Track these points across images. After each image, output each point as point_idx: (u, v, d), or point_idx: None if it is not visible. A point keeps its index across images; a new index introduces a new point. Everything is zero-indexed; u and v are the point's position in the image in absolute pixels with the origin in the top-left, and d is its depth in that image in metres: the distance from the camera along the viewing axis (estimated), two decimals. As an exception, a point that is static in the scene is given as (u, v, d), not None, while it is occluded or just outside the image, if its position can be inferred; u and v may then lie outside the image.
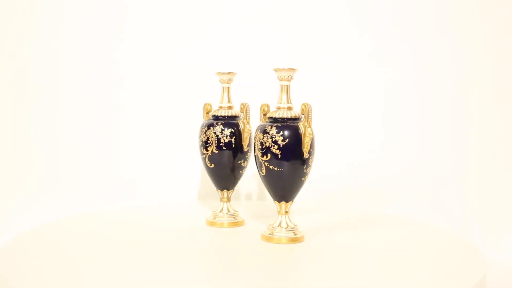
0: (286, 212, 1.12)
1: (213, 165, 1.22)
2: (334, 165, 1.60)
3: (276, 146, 1.06)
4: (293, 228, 1.11)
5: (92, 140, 1.60)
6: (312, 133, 1.06)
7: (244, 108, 1.22)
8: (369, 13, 1.62)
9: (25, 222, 1.47)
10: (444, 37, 1.62)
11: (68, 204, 1.55)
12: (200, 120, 1.29)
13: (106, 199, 1.56)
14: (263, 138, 1.08)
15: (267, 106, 1.14)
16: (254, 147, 1.10)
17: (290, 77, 1.09)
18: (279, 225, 1.12)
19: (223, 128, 1.21)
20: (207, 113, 1.28)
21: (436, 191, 1.62)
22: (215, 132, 1.21)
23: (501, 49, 1.61)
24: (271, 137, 1.07)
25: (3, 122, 1.58)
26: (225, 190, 1.25)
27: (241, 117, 1.23)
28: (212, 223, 1.25)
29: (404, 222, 1.35)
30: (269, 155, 1.07)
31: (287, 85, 1.10)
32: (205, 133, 1.22)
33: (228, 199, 1.26)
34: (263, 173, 1.09)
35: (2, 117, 1.58)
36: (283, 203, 1.11)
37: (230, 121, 1.22)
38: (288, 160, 1.06)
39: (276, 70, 1.10)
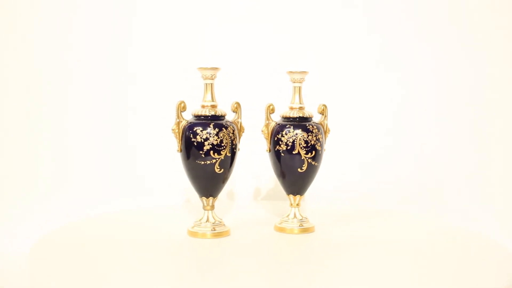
0: (298, 204, 1.20)
1: (222, 170, 1.10)
2: (347, 164, 1.61)
3: (319, 144, 1.15)
4: (304, 219, 1.20)
5: (96, 141, 1.63)
6: (329, 131, 1.21)
7: (239, 107, 1.15)
8: (379, 14, 1.60)
9: (27, 226, 1.54)
10: (457, 38, 1.61)
11: (75, 205, 1.58)
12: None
13: (114, 201, 1.58)
14: (308, 137, 1.14)
15: (272, 105, 1.18)
16: (292, 146, 1.13)
17: (302, 79, 1.18)
18: (289, 216, 1.20)
19: (233, 129, 1.11)
20: (182, 112, 1.11)
21: (456, 191, 1.62)
22: (228, 134, 1.09)
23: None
24: (315, 136, 1.14)
25: (11, 124, 1.61)
26: (215, 198, 1.14)
27: (225, 117, 1.15)
28: (194, 234, 1.13)
29: (424, 221, 1.34)
30: (313, 152, 1.14)
31: (299, 87, 1.18)
32: (217, 135, 1.08)
33: (213, 207, 1.14)
34: (302, 170, 1.14)
35: (10, 118, 1.61)
36: (298, 196, 1.19)
37: (227, 122, 1.13)
38: (322, 155, 1.17)
39: (289, 72, 1.17)
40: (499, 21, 1.60)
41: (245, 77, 1.60)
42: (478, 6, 1.60)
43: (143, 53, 1.61)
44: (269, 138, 1.18)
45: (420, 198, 1.61)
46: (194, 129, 1.09)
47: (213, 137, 1.08)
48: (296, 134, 1.14)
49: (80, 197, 1.59)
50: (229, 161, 1.11)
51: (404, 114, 1.64)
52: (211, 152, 1.08)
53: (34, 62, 1.59)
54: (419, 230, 1.25)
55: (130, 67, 1.61)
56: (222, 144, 1.09)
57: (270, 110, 1.18)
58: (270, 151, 1.18)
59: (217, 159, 1.09)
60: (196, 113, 1.12)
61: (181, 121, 1.11)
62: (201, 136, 1.08)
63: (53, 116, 1.61)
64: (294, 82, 1.18)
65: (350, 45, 1.62)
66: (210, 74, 1.12)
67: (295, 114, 1.17)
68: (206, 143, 1.08)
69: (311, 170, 1.16)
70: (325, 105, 1.20)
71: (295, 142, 1.14)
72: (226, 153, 1.10)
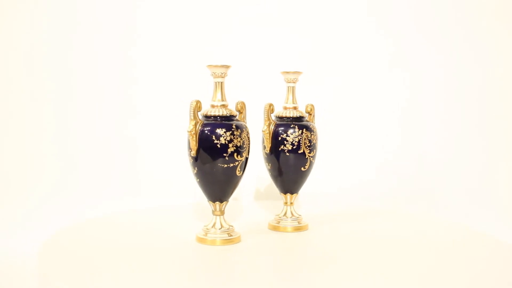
0: (292, 203, 1.21)
1: (241, 173, 1.05)
2: (348, 164, 1.59)
3: (318, 142, 1.18)
4: (298, 218, 1.21)
5: (101, 142, 1.61)
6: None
7: (244, 106, 1.10)
8: (388, 16, 1.60)
9: (33, 227, 1.52)
10: (464, 40, 1.60)
11: (80, 206, 1.56)
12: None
13: (116, 201, 1.56)
14: (311, 136, 1.15)
15: (272, 105, 1.17)
16: (298, 145, 1.13)
17: (295, 79, 1.19)
18: (285, 214, 1.20)
19: (248, 130, 1.07)
20: (198, 112, 1.03)
21: (460, 191, 1.61)
22: (247, 135, 1.05)
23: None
24: (315, 135, 1.17)
25: (14, 125, 1.59)
26: (227, 202, 1.08)
27: (236, 116, 1.09)
28: (202, 240, 1.08)
29: (426, 220, 1.33)
30: (314, 150, 1.17)
31: (293, 87, 1.19)
32: (240, 136, 1.02)
33: (223, 212, 1.08)
34: (305, 168, 1.15)
35: (13, 119, 1.59)
36: (294, 195, 1.20)
37: (239, 122, 1.08)
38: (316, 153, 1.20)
39: (284, 72, 1.18)
40: (509, 23, 1.60)
41: (243, 77, 1.55)
42: (488, 7, 1.60)
43: (144, 54, 1.62)
44: (270, 138, 1.16)
45: (421, 198, 1.61)
46: (216, 130, 1.02)
47: (237, 138, 1.03)
48: (302, 133, 1.15)
49: (85, 197, 1.58)
50: (246, 163, 1.07)
51: (407, 115, 1.65)
52: (235, 154, 1.03)
53: (38, 62, 1.58)
54: (421, 229, 1.24)
55: (133, 68, 1.61)
56: (244, 146, 1.05)
57: (271, 110, 1.17)
58: (270, 151, 1.17)
59: (239, 162, 1.04)
60: (209, 113, 1.05)
61: (198, 122, 1.03)
62: (225, 137, 1.02)
63: (57, 117, 1.60)
64: (288, 82, 1.19)
65: (353, 47, 1.63)
66: (221, 72, 1.07)
67: (293, 114, 1.18)
68: (230, 145, 1.02)
69: (311, 168, 1.19)
70: (312, 105, 1.24)
71: (300, 142, 1.15)
72: (246, 155, 1.06)
